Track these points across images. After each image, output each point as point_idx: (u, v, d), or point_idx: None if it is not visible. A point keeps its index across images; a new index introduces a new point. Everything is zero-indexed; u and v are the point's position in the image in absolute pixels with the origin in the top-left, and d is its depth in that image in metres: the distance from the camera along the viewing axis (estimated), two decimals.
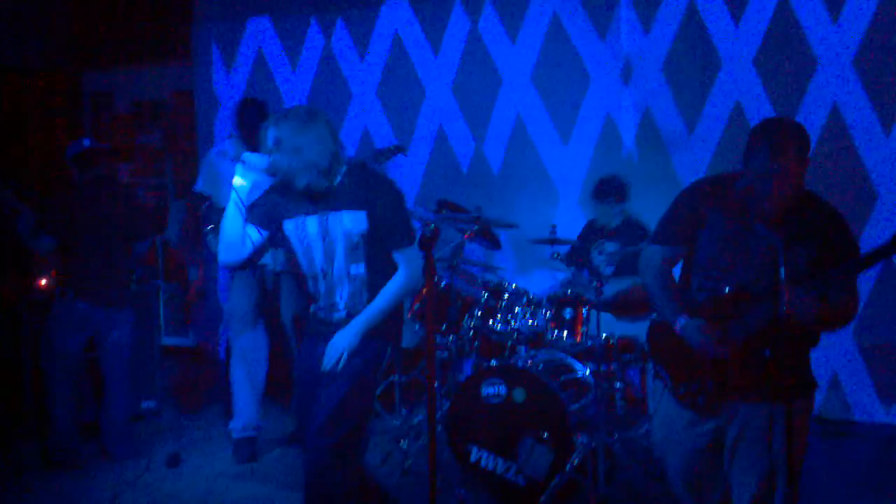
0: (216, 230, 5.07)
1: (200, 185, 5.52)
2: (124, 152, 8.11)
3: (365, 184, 3.52)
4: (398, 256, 3.54)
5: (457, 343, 5.12)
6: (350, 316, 3.56)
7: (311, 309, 3.69)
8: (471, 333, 5.06)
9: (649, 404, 4.73)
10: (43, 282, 5.82)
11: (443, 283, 5.08)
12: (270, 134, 3.43)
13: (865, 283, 5.53)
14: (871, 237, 5.35)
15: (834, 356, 5.65)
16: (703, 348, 3.13)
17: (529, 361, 4.72)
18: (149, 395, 5.99)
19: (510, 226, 5.59)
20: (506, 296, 5.03)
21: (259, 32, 7.17)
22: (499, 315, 4.99)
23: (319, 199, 3.51)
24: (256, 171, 3.50)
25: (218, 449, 5.48)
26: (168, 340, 7.56)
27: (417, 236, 3.31)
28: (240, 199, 3.55)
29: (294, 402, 3.91)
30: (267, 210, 3.61)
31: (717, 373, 3.14)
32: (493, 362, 4.78)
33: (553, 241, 5.24)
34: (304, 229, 3.56)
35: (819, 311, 2.96)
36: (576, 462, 4.39)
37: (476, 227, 5.26)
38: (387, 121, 6.80)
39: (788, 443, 2.96)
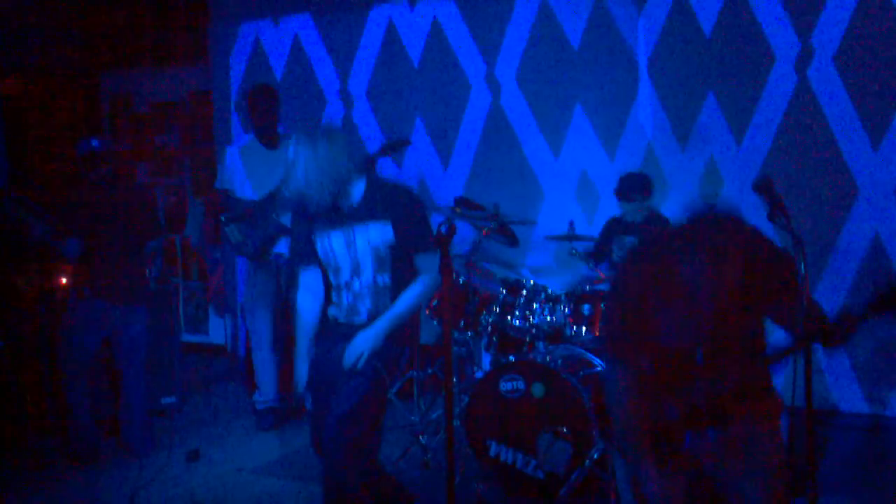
0: (233, 219, 5.44)
1: (218, 183, 5.65)
2: (143, 153, 8.17)
3: (386, 194, 3.58)
4: (420, 261, 3.58)
5: (475, 339, 5.14)
6: (371, 319, 3.59)
7: (331, 313, 3.72)
8: (489, 329, 5.07)
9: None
10: (64, 280, 5.86)
11: (460, 280, 5.10)
12: (289, 151, 3.48)
13: (847, 274, 5.58)
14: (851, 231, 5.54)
15: (817, 347, 5.64)
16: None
17: (548, 357, 4.72)
18: (169, 392, 6.03)
19: (528, 222, 5.60)
20: (524, 292, 5.03)
21: (290, 30, 7.18)
22: (517, 311, 4.99)
23: (344, 214, 3.56)
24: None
25: (238, 444, 5.52)
26: (188, 337, 7.60)
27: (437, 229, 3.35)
28: None
29: (310, 401, 3.96)
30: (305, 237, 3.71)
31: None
32: (512, 358, 4.79)
33: (571, 238, 5.24)
34: (329, 244, 3.61)
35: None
36: (595, 456, 4.39)
37: (493, 223, 5.28)
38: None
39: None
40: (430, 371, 5.60)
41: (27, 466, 5.19)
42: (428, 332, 5.69)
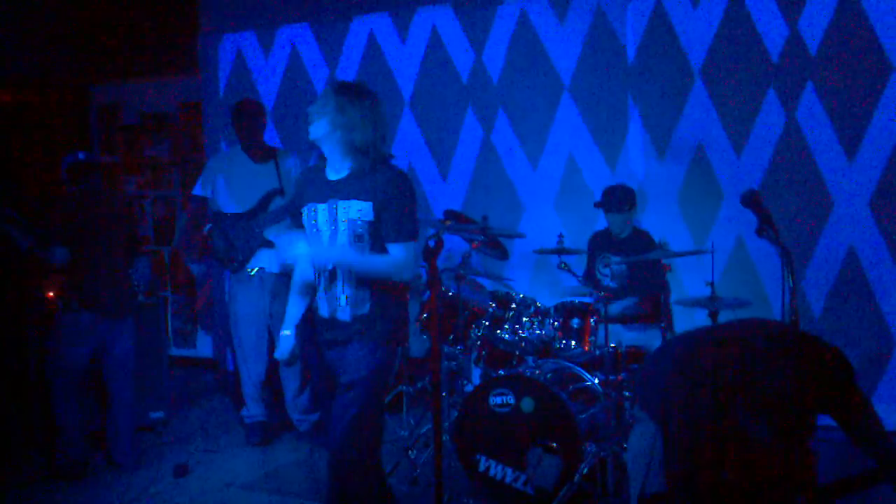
0: (217, 231, 5.51)
1: (199, 189, 5.69)
2: (133, 164, 8.14)
3: (377, 176, 3.51)
4: (392, 250, 3.50)
5: (464, 353, 5.12)
6: (355, 320, 3.55)
7: (315, 304, 3.70)
8: (478, 343, 5.05)
9: None
10: (52, 293, 5.83)
11: (450, 293, 5.09)
12: (330, 97, 3.49)
13: (824, 285, 5.65)
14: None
15: None
16: None
17: (537, 371, 4.71)
18: (157, 406, 6.00)
19: (517, 235, 5.57)
20: (513, 305, 5.02)
21: (286, 40, 7.16)
22: (506, 325, 4.98)
23: (332, 187, 3.55)
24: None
25: (226, 459, 5.48)
26: (176, 351, 7.57)
27: (425, 243, 3.32)
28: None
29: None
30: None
31: None
32: (501, 372, 4.78)
33: (560, 252, 5.22)
34: (314, 216, 3.60)
35: None
36: (585, 471, 4.38)
37: (483, 237, 5.26)
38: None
39: None
40: (419, 385, 5.58)
41: (14, 482, 5.14)
42: (418, 346, 5.69)
